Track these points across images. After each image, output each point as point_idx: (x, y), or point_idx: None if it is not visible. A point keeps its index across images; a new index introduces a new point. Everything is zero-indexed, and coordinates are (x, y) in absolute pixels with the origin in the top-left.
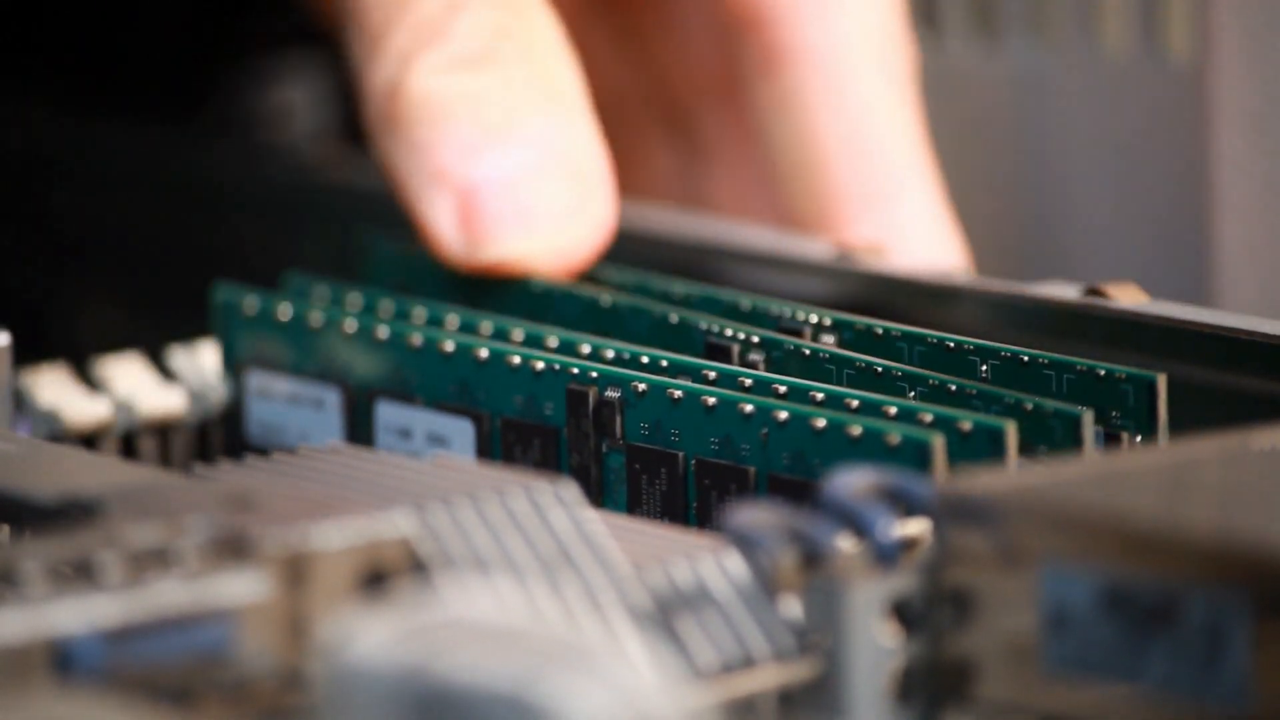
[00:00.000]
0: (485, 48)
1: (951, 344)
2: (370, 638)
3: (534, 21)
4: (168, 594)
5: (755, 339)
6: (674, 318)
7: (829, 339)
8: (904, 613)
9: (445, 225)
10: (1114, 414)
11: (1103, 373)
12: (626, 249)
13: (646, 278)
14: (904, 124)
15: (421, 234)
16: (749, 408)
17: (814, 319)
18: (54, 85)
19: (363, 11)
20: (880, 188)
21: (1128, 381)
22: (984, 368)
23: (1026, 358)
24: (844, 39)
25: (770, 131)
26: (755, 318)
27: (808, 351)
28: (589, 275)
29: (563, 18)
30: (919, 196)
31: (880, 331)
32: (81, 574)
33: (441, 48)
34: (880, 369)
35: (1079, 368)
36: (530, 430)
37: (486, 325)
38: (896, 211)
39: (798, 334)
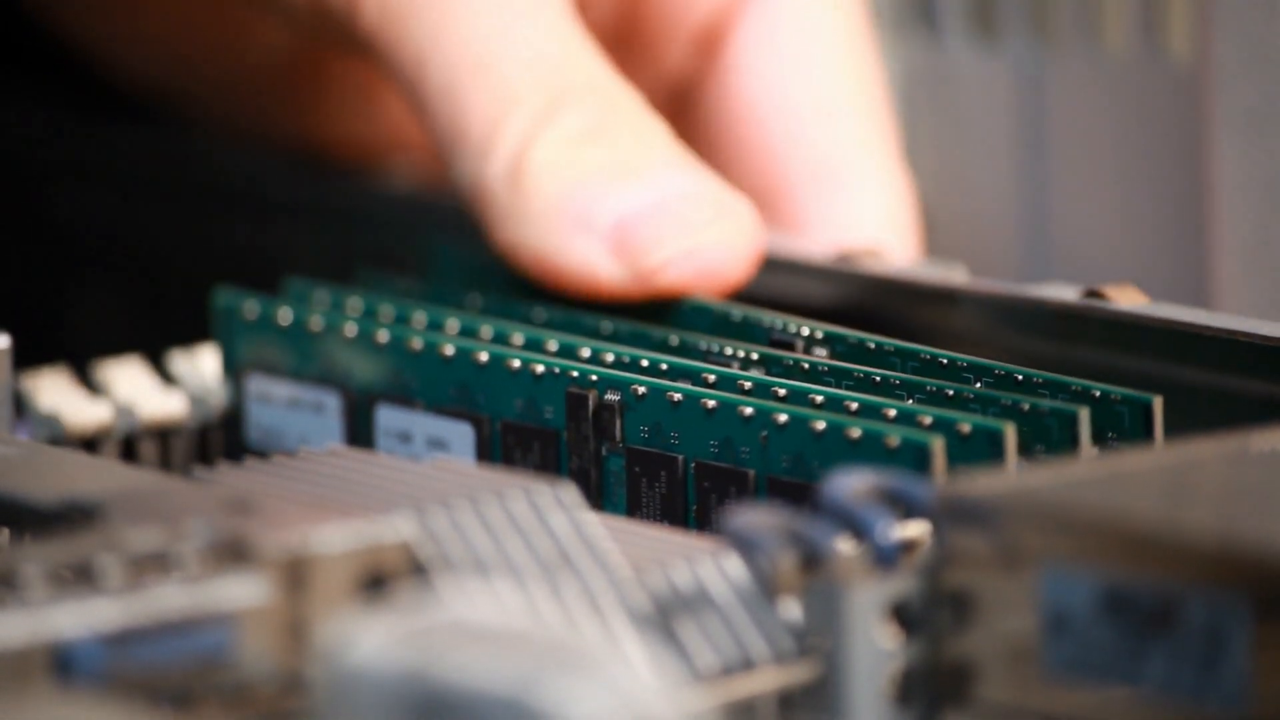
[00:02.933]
0: (597, 124)
1: (945, 360)
2: (370, 641)
3: (632, 99)
4: (168, 598)
5: (754, 355)
6: (674, 340)
7: (821, 352)
8: (903, 615)
9: (600, 260)
10: (1110, 435)
11: (1098, 394)
12: None
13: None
14: (865, 101)
15: (575, 282)
16: (748, 410)
17: (805, 331)
18: (54, 86)
19: (464, 120)
20: (831, 170)
21: (1123, 403)
22: (978, 385)
23: (1021, 376)
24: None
25: (715, 100)
26: (746, 330)
27: (806, 366)
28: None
29: None
30: (875, 185)
31: (873, 346)
32: (81, 577)
33: (557, 127)
34: (879, 378)
35: (1074, 388)
36: (530, 433)
37: (486, 329)
38: (847, 200)
39: (790, 347)
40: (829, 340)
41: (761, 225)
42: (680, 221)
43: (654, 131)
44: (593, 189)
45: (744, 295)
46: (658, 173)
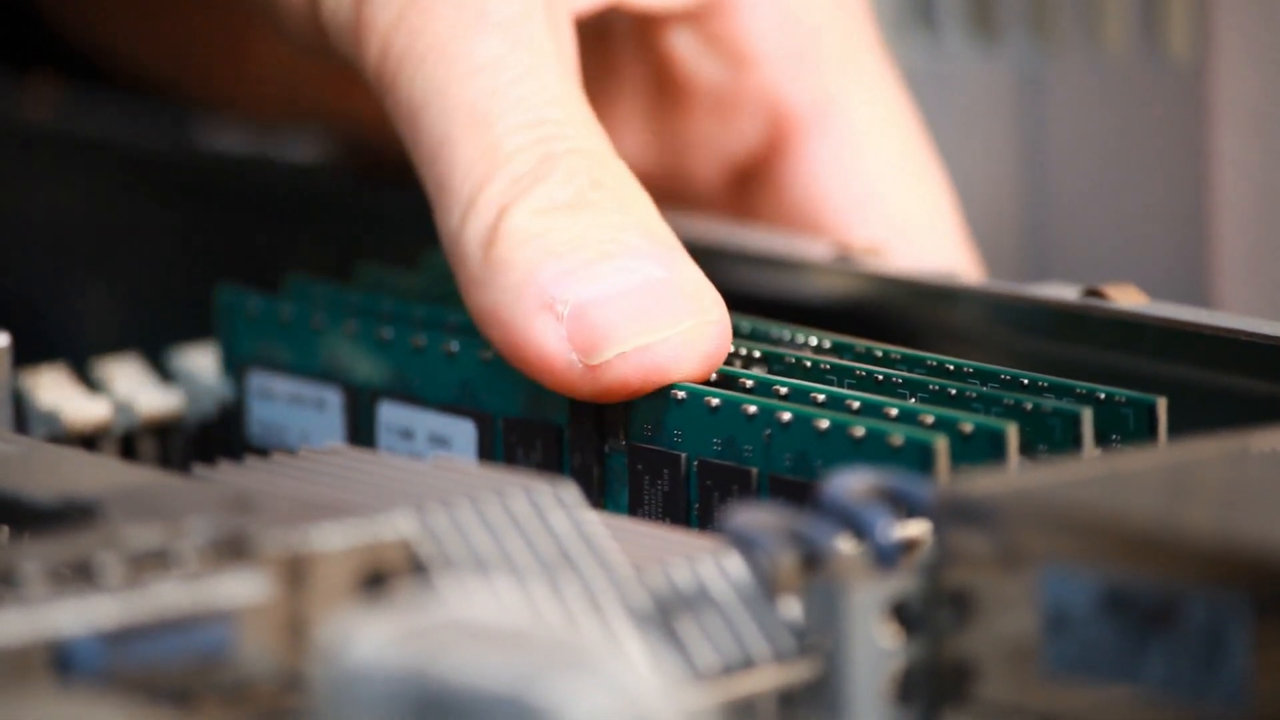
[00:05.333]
0: (579, 195)
1: (951, 366)
2: (370, 639)
3: (621, 172)
4: (167, 595)
5: (757, 354)
6: None
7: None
8: (904, 614)
9: (556, 346)
10: (1114, 437)
11: (1102, 396)
12: None
13: None
14: (922, 186)
15: (532, 365)
16: (752, 409)
17: (813, 341)
18: (54, 84)
19: (451, 175)
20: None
21: (1128, 405)
22: (984, 387)
23: (1026, 380)
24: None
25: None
26: (755, 339)
27: (809, 364)
28: None
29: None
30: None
31: (880, 354)
32: (81, 575)
33: (537, 195)
34: (881, 377)
35: (1078, 390)
36: (533, 431)
37: None
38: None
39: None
40: (836, 349)
41: (728, 326)
42: (640, 314)
43: (639, 211)
44: (561, 265)
45: (746, 296)
46: (631, 256)
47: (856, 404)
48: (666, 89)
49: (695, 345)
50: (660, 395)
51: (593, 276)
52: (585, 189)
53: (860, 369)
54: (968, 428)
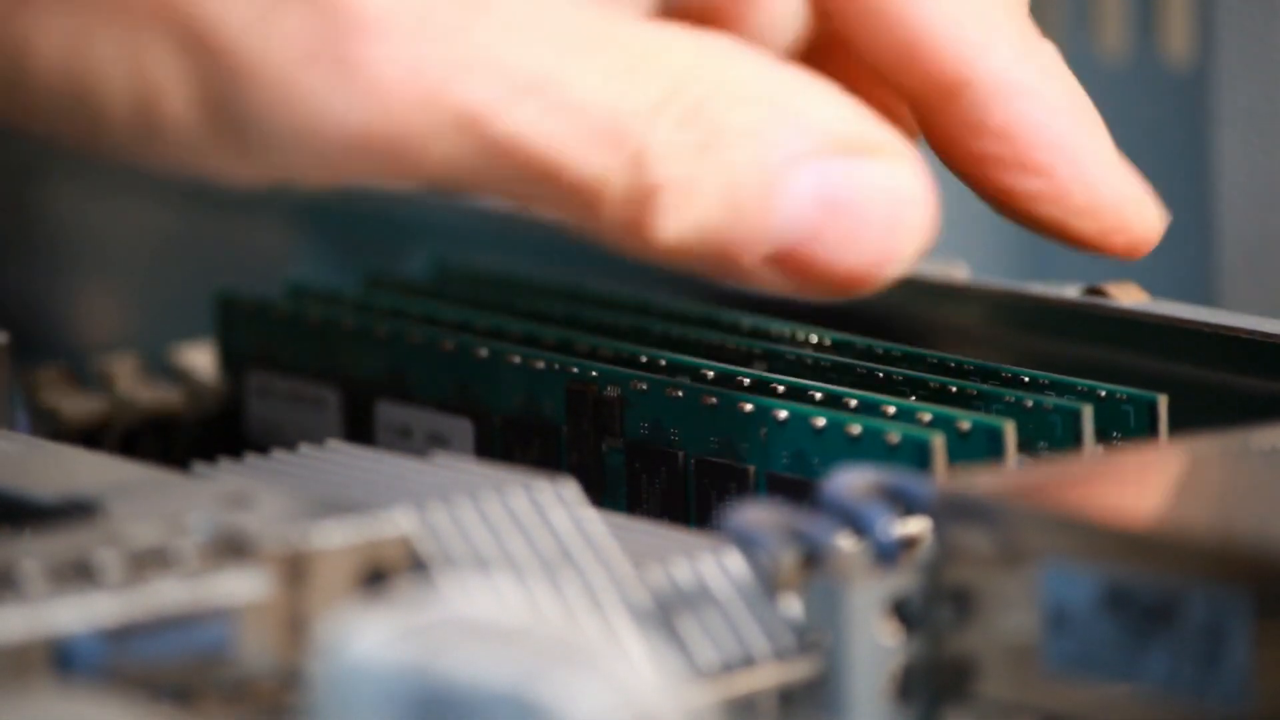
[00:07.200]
0: None
1: (952, 364)
2: (370, 636)
3: None
4: (167, 593)
5: (757, 351)
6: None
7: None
8: (904, 612)
9: None
10: (1115, 434)
11: (1103, 393)
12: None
13: (649, 297)
14: None
15: None
16: (749, 407)
17: (814, 339)
18: None
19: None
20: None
21: (1129, 402)
22: (985, 386)
23: (1027, 378)
24: None
25: None
26: (755, 337)
27: (809, 361)
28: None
29: None
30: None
31: (880, 352)
32: (81, 573)
33: None
34: (880, 374)
35: (1079, 388)
36: (530, 429)
37: (486, 324)
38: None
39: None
40: (836, 347)
41: None
42: None
43: None
44: None
45: (747, 293)
46: None
47: (854, 402)
48: None
49: None
50: (657, 393)
51: None
52: None
53: (861, 367)
54: (965, 425)
